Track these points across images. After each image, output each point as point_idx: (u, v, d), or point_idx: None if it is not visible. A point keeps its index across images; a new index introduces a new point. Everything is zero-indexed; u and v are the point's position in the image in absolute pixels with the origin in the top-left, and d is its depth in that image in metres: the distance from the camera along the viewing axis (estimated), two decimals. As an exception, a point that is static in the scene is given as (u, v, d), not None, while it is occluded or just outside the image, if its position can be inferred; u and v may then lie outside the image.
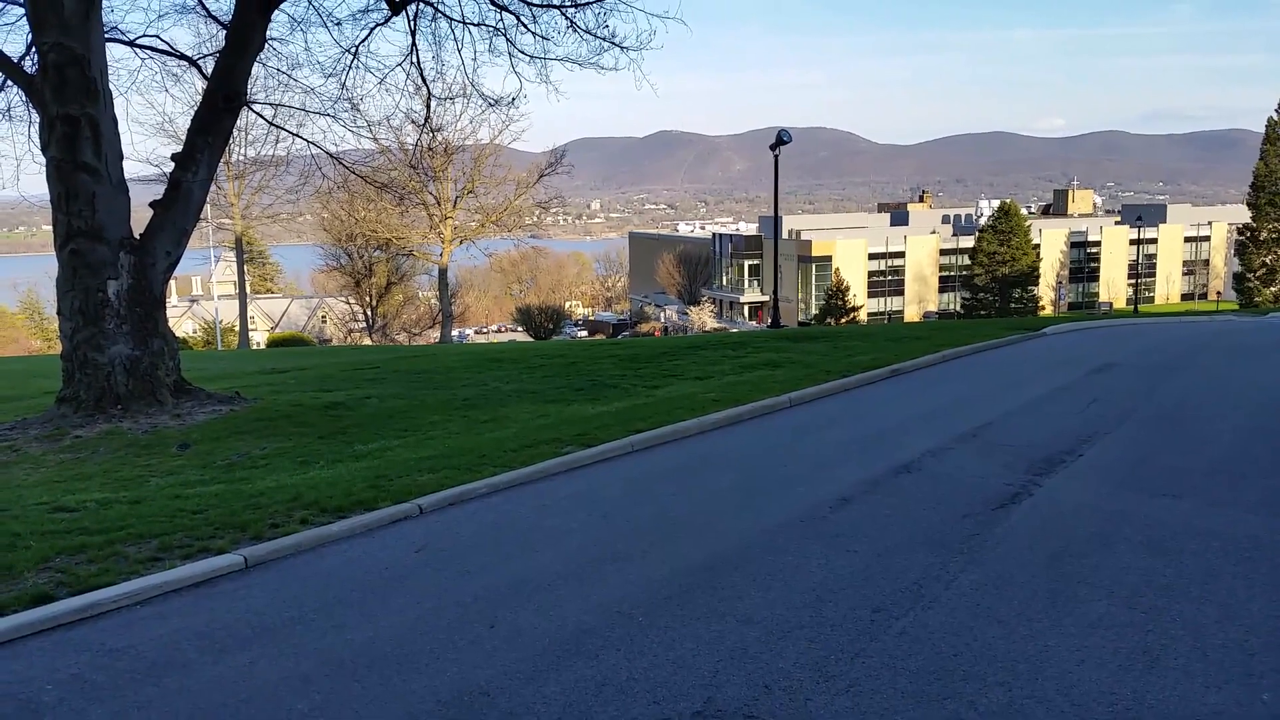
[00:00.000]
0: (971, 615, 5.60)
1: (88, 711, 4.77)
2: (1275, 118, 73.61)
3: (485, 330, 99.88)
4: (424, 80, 19.53)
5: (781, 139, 27.93)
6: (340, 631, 5.68)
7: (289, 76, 22.55)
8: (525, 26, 18.17)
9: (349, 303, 63.80)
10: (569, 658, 5.20)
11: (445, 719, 4.60)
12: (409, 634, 5.60)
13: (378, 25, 18.69)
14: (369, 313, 61.53)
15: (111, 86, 14.10)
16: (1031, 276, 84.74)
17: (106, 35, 14.82)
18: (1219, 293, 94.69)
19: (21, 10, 14.94)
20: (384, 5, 17.89)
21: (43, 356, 41.20)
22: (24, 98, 15.49)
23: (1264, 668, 4.86)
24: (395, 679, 5.02)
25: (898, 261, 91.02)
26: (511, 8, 18.04)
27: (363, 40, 19.81)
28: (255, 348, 52.97)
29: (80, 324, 13.65)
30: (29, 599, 6.08)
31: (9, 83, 16.26)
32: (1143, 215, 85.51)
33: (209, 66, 17.02)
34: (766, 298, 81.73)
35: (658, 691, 4.78)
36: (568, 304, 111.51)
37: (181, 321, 66.52)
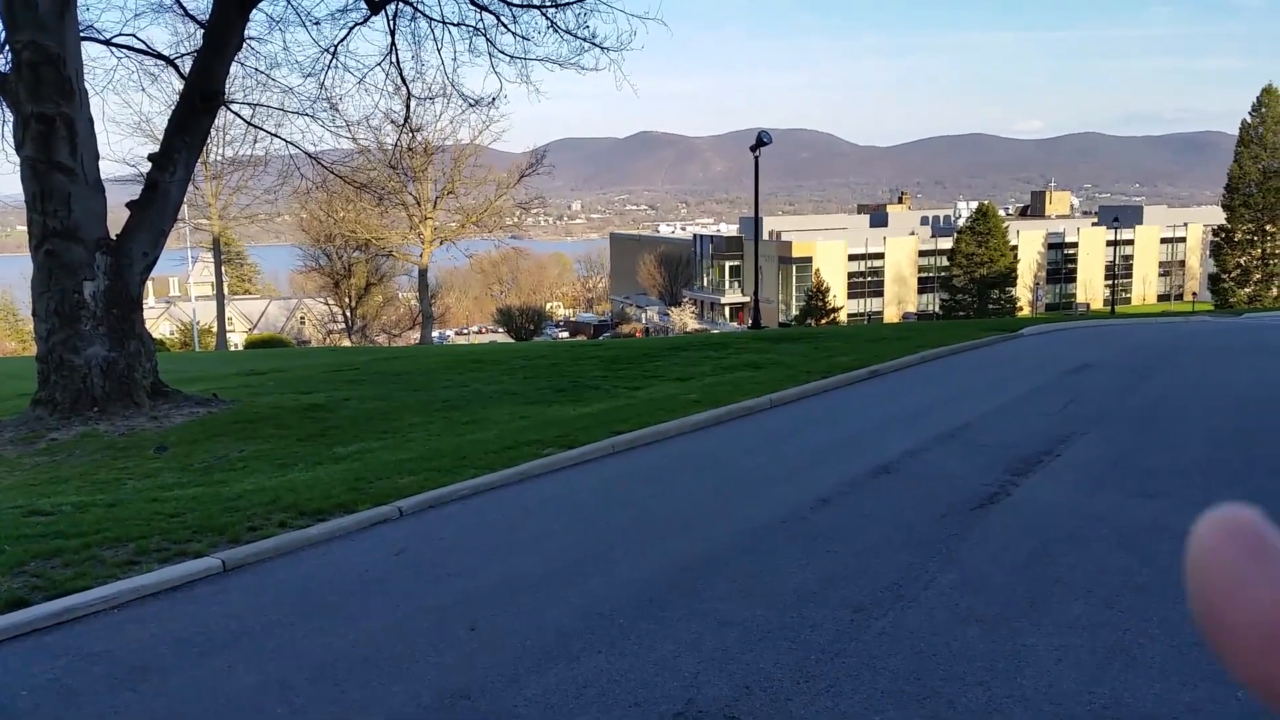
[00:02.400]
0: (951, 615, 5.63)
1: (64, 717, 4.73)
2: (1249, 120, 74.41)
3: (466, 331, 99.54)
4: (403, 80, 19.49)
5: (762, 140, 28.01)
6: (319, 635, 5.65)
7: (267, 76, 22.49)
8: (505, 27, 18.16)
9: (328, 304, 63.42)
10: (550, 660, 5.19)
11: (426, 722, 4.58)
12: (389, 637, 5.58)
13: (357, 25, 18.63)
14: (348, 314, 61.19)
15: (87, 85, 13.97)
16: (1009, 278, 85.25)
17: (82, 34, 14.68)
18: (1194, 293, 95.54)
19: (-5, 8, 14.77)
20: (363, 4, 17.82)
21: (18, 358, 40.80)
22: (-3, 96, 15.32)
23: (1238, 666, 4.91)
24: (375, 683, 5.00)
25: (877, 263, 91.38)
26: (491, 8, 18.01)
27: (342, 40, 19.76)
28: (233, 349, 52.59)
29: (56, 325, 13.52)
30: (3, 604, 6.02)
31: (-18, 81, 16.07)
32: (1119, 216, 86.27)
33: (186, 66, 16.91)
34: (747, 299, 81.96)
35: (639, 693, 4.78)
36: (549, 305, 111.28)
37: (159, 323, 65.98)
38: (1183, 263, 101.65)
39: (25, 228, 13.91)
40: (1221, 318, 33.36)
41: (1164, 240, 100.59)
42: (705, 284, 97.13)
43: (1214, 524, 0.28)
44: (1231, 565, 0.27)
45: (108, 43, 17.28)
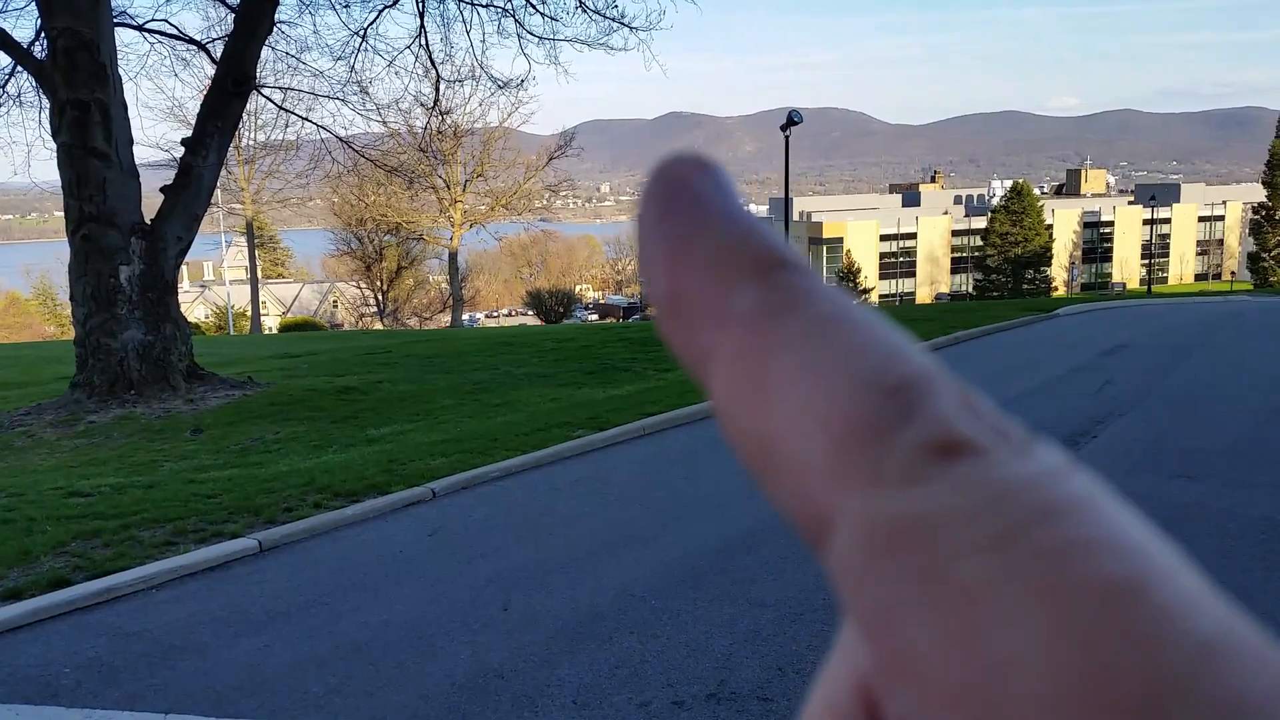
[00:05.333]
0: (985, 597, 5.58)
1: (105, 694, 4.80)
2: (1291, 95, 72.82)
3: (496, 314, 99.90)
4: (432, 63, 19.52)
5: (792, 120, 27.76)
6: (354, 615, 5.70)
7: (298, 60, 22.60)
8: (534, 7, 18.12)
9: (360, 287, 63.83)
10: (582, 641, 5.21)
11: (460, 701, 4.61)
12: (423, 617, 5.62)
13: (386, 7, 18.69)
14: (380, 297, 61.57)
15: (121, 71, 14.08)
16: (1044, 257, 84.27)
17: (115, 19, 14.80)
18: (1233, 273, 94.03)
19: (31, -5, 14.93)
20: (392, -13, 17.84)
21: (56, 342, 41.42)
22: (34, 83, 15.49)
23: (1281, 649, 4.83)
24: (410, 662, 5.04)
25: (909, 243, 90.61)
26: (520, -11, 17.97)
27: (371, 22, 19.82)
28: (267, 332, 53.11)
29: (93, 309, 13.69)
30: (46, 583, 6.13)
31: (19, 68, 16.28)
32: (1156, 195, 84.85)
33: (218, 50, 17.02)
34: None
35: (671, 674, 4.78)
36: (578, 287, 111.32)
37: (193, 307, 66.70)
38: (1221, 241, 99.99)
39: (62, 213, 14.07)
40: (1261, 297, 32.81)
41: (1202, 218, 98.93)
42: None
43: (648, 174, 0.24)
44: (643, 223, 0.24)
45: (140, 28, 17.43)
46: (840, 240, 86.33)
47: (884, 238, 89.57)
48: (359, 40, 19.17)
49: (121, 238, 13.74)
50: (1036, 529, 0.19)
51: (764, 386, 0.23)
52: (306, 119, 23.24)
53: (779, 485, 0.23)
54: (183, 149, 15.01)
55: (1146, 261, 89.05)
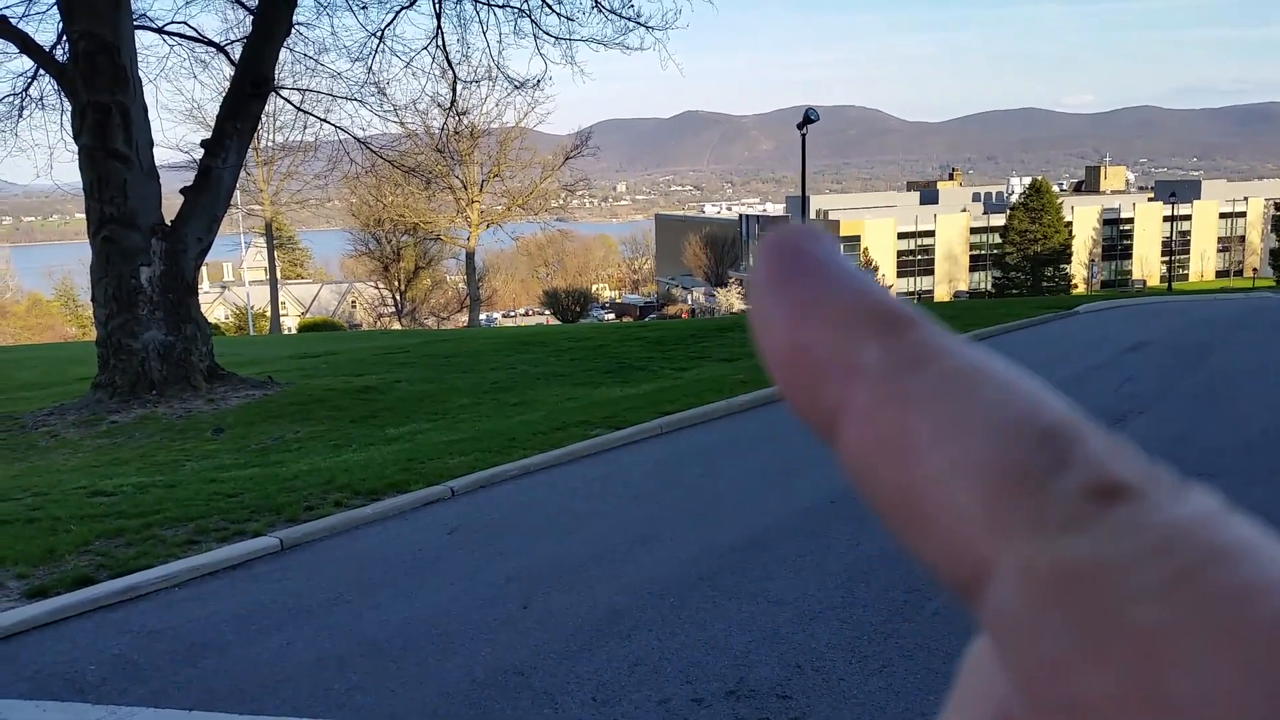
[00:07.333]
0: (1005, 596, 5.56)
1: (129, 691, 4.85)
2: (1314, 90, 72.03)
3: (513, 314, 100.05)
4: (449, 63, 19.58)
5: (809, 118, 27.68)
6: (375, 612, 5.73)
7: (316, 61, 22.61)
8: (550, 8, 18.16)
9: (378, 287, 64.05)
10: (602, 638, 5.22)
11: (480, 698, 4.64)
12: (443, 615, 5.65)
13: (403, 8, 18.77)
14: (398, 297, 61.76)
15: (141, 73, 14.19)
16: (1064, 254, 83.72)
17: (135, 22, 14.91)
18: (1255, 269, 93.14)
19: (52, -1, 15.07)
20: (409, -11, 17.90)
21: (78, 343, 41.76)
22: (56, 86, 15.64)
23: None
24: (430, 659, 5.07)
25: (927, 240, 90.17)
26: (536, -11, 18.01)
27: (388, 24, 19.88)
28: (287, 333, 53.37)
29: (114, 310, 13.80)
30: (71, 581, 6.19)
31: (41, 71, 16.42)
32: (1176, 191, 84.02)
33: (236, 53, 17.12)
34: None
35: (690, 671, 4.79)
36: (594, 287, 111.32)
37: (213, 307, 67.02)
38: (1243, 238, 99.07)
39: (84, 215, 14.20)
40: (1284, 294, 32.52)
41: (1223, 215, 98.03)
42: (751, 264, 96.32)
43: (762, 243, 0.26)
44: (761, 287, 0.25)
45: (160, 30, 17.56)
46: (858, 238, 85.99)
47: (902, 235, 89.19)
48: (376, 41, 19.27)
49: (142, 239, 13.85)
50: (1210, 571, 0.19)
51: (905, 440, 0.22)
52: (325, 120, 23.35)
53: (926, 538, 0.22)
54: (202, 151, 15.11)
55: (1167, 258, 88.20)
